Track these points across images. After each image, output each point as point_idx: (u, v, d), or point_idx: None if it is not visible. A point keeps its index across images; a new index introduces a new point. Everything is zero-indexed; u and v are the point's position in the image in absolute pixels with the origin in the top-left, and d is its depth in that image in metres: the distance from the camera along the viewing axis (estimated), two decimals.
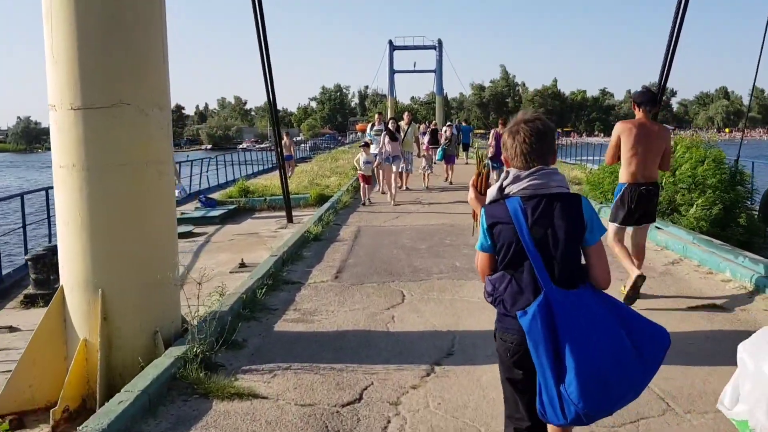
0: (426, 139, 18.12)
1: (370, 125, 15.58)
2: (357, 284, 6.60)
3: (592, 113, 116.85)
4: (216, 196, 16.27)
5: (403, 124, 15.40)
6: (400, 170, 14.21)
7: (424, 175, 16.26)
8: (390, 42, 76.56)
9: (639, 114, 5.71)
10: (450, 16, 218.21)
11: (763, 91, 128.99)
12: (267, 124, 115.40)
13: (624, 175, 5.68)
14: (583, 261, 2.43)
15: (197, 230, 12.44)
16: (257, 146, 68.43)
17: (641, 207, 5.62)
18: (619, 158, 5.72)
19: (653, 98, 5.83)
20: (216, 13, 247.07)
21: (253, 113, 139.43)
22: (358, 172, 13.66)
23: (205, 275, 4.91)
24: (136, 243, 4.40)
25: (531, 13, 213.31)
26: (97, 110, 4.23)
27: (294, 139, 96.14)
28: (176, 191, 14.72)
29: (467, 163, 26.26)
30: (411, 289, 6.36)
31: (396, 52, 77.40)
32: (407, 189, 15.45)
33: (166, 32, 4.74)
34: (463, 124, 29.53)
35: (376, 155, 13.43)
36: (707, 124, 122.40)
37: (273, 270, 6.75)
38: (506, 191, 2.40)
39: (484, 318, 5.33)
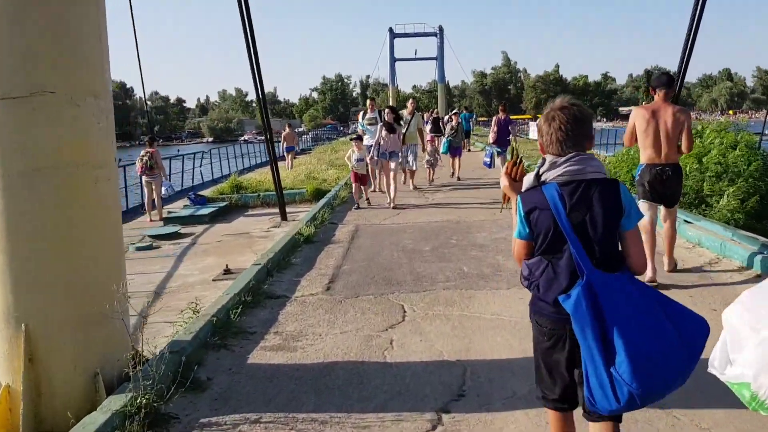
0: (428, 128, 16.98)
1: (361, 114, 13.37)
2: (351, 297, 5.74)
3: (595, 98, 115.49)
4: (207, 192, 15.36)
5: (406, 113, 13.04)
6: (400, 167, 12.43)
7: (429, 170, 14.51)
8: (390, 30, 75.36)
9: (657, 98, 5.79)
10: (451, 3, 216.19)
11: (767, 71, 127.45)
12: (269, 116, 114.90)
13: (642, 157, 5.86)
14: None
15: (184, 231, 11.59)
16: (258, 138, 67.66)
17: (659, 186, 5.76)
18: (636, 141, 5.90)
19: (670, 81, 5.87)
20: (217, 5, 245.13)
21: (254, 105, 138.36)
22: (351, 170, 11.73)
23: (183, 285, 4.10)
24: (69, 267, 3.53)
25: None
26: (11, 101, 3.35)
27: (296, 130, 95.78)
28: (163, 189, 13.91)
29: (469, 151, 25.96)
30: (413, 302, 5.49)
31: (397, 40, 76.25)
32: (414, 188, 13.56)
33: (104, 4, 3.85)
34: (464, 111, 29.48)
35: (370, 148, 11.50)
36: (711, 106, 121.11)
37: (254, 282, 5.89)
38: (543, 178, 2.39)
39: (499, 341, 4.48)
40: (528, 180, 2.47)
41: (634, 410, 2.26)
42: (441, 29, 73.99)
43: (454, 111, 16.81)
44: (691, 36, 8.42)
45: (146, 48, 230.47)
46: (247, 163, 31.67)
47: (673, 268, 6.10)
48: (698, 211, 8.26)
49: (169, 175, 16.09)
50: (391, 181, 11.21)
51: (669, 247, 6.06)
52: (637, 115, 5.78)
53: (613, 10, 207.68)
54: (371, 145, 11.54)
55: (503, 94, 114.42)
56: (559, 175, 2.35)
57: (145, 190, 13.68)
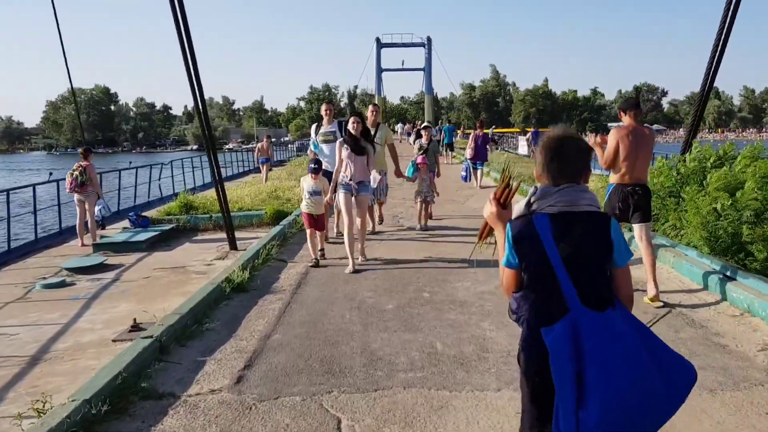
0: (415, 146, 14.42)
1: (314, 126, 9.72)
2: (268, 399, 3.91)
3: (584, 113, 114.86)
4: (154, 212, 13.43)
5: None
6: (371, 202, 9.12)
7: (419, 206, 10.29)
8: (377, 39, 74.03)
9: (628, 119, 5.96)
10: (439, 16, 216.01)
11: (753, 90, 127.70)
12: (254, 124, 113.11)
13: (614, 177, 6.00)
14: None
15: (113, 261, 9.69)
16: (243, 147, 65.94)
17: (627, 205, 5.90)
18: (613, 164, 5.95)
19: (637, 103, 6.15)
20: (203, 13, 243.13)
21: (240, 113, 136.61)
22: (302, 210, 8.05)
23: (73, 347, 2.38)
24: None
25: (520, 12, 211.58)
26: None
27: (282, 139, 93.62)
28: (96, 209, 11.99)
29: (451, 164, 24.77)
30: (356, 412, 3.68)
31: (384, 50, 74.95)
32: (373, 232, 9.74)
33: None
34: (447, 123, 30.18)
35: (330, 175, 7.90)
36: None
37: (133, 369, 4.06)
38: (534, 207, 2.35)
39: None
40: (519, 208, 2.41)
41: None
42: (429, 40, 72.79)
43: (424, 125, 12.11)
44: (717, 54, 8.41)
45: (135, 54, 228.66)
46: (224, 174, 29.70)
47: (655, 296, 5.72)
48: (736, 261, 6.55)
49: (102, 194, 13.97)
50: (363, 226, 7.88)
51: (650, 270, 5.81)
52: (621, 137, 5.84)
53: (602, 26, 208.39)
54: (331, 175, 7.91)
55: (492, 107, 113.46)
56: (550, 206, 2.30)
57: (78, 209, 11.74)
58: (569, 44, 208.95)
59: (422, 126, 12.02)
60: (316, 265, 7.68)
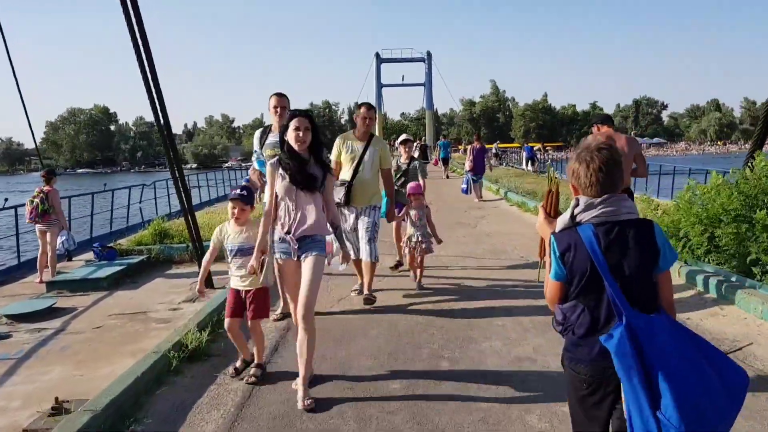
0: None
1: (258, 133, 6.49)
2: None
3: (583, 127, 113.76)
4: (125, 241, 11.75)
5: (353, 137, 6.37)
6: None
7: (412, 256, 7.10)
8: (377, 54, 72.79)
9: (605, 129, 6.32)
10: (439, 31, 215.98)
11: (754, 102, 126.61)
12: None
13: None
14: None
15: (64, 303, 8.11)
16: (244, 165, 64.63)
17: None
18: None
19: (608, 117, 6.57)
20: (205, 31, 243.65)
21: (240, 131, 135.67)
22: (229, 286, 4.78)
23: None
24: None
25: (520, 27, 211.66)
26: None
27: None
28: (59, 240, 10.39)
29: (447, 177, 24.77)
30: None
31: (383, 66, 73.71)
32: (368, 300, 6.29)
33: None
34: (442, 139, 31.84)
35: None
36: (700, 136, 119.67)
37: None
38: (578, 219, 2.38)
39: None
40: (563, 220, 2.44)
41: None
42: (429, 55, 71.55)
43: (402, 138, 8.51)
44: None
45: (134, 73, 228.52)
46: (215, 194, 28.28)
47: None
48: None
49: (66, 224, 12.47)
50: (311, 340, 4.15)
51: None
52: None
53: (602, 40, 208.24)
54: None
55: (492, 123, 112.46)
56: (594, 216, 2.34)
57: (39, 241, 10.13)
58: (569, 59, 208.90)
59: (400, 141, 8.44)
60: (255, 382, 4.43)
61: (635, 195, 10.73)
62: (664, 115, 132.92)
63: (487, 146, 21.73)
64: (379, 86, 73.70)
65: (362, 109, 6.37)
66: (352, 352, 5.00)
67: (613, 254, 2.26)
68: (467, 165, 17.21)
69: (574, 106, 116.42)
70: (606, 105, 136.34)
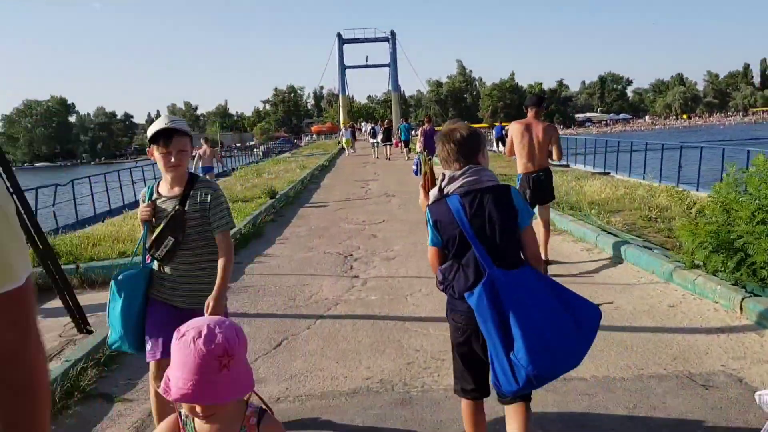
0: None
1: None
2: None
3: (551, 105, 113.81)
4: None
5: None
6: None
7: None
8: (339, 35, 71.21)
9: (529, 115, 7.00)
10: (402, 9, 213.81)
11: (717, 75, 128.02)
12: (218, 129, 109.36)
13: (519, 168, 7.02)
14: None
15: None
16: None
17: (536, 190, 6.88)
18: (514, 153, 6.98)
19: (539, 101, 7.13)
20: (164, 18, 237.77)
21: (204, 118, 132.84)
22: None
23: None
24: None
25: (486, 5, 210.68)
26: None
27: (248, 143, 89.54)
28: None
29: (408, 159, 25.60)
30: None
31: (346, 47, 72.11)
32: None
33: None
34: (402, 122, 32.68)
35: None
36: (665, 111, 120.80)
37: None
38: (445, 191, 2.72)
39: None
40: (433, 193, 2.80)
41: (532, 389, 2.61)
42: (393, 34, 70.15)
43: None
44: None
45: (93, 62, 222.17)
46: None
47: (546, 260, 6.73)
48: None
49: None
50: None
51: (544, 241, 6.96)
52: (515, 131, 6.94)
53: (567, 17, 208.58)
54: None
55: (459, 103, 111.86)
56: (458, 187, 2.68)
57: None
58: (535, 37, 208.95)
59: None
60: None
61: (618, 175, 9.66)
62: (629, 91, 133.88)
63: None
64: (343, 68, 72.22)
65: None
66: None
67: (478, 219, 2.59)
68: (419, 146, 18.85)
69: (541, 84, 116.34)
70: (572, 82, 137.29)
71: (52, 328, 6.80)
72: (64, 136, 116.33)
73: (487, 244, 2.56)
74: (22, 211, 6.03)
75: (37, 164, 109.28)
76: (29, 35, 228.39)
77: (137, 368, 4.82)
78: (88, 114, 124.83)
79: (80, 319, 6.35)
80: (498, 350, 2.45)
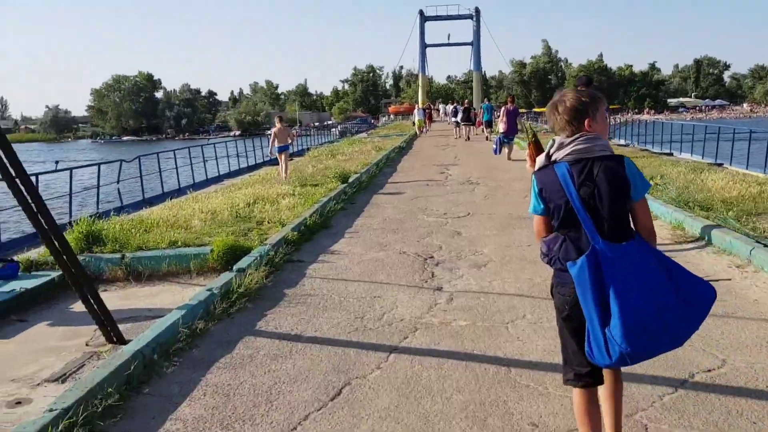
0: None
1: None
2: None
3: (641, 89, 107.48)
4: (35, 253, 7.88)
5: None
6: None
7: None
8: (421, 12, 69.07)
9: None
10: None
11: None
12: (297, 108, 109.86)
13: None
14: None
15: None
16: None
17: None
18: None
19: (588, 81, 8.09)
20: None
21: (284, 97, 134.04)
22: None
23: None
24: None
25: None
26: None
27: (326, 122, 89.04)
28: None
29: (488, 139, 24.97)
30: None
31: (428, 24, 69.98)
32: None
33: None
34: (485, 102, 31.08)
35: None
36: (765, 98, 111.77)
37: None
38: (553, 158, 2.57)
39: None
40: (540, 160, 2.62)
41: (626, 365, 2.49)
42: (477, 11, 67.43)
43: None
44: None
45: (179, 41, 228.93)
46: (236, 165, 26.43)
47: None
48: None
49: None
50: None
51: None
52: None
53: None
54: None
55: (543, 85, 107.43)
56: (567, 154, 2.52)
57: None
58: (626, 16, 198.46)
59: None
60: None
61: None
62: (726, 76, 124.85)
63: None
64: (423, 46, 70.22)
65: None
66: None
67: (586, 188, 2.47)
68: (501, 126, 18.24)
69: (631, 66, 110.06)
70: (664, 65, 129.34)
71: (80, 333, 5.73)
72: (150, 111, 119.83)
73: (595, 215, 2.45)
74: (29, 199, 4.91)
75: (125, 138, 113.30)
76: (120, 10, 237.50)
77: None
78: (174, 90, 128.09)
79: (109, 328, 5.19)
80: (594, 323, 2.39)
